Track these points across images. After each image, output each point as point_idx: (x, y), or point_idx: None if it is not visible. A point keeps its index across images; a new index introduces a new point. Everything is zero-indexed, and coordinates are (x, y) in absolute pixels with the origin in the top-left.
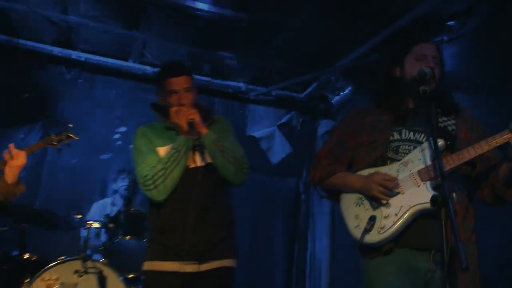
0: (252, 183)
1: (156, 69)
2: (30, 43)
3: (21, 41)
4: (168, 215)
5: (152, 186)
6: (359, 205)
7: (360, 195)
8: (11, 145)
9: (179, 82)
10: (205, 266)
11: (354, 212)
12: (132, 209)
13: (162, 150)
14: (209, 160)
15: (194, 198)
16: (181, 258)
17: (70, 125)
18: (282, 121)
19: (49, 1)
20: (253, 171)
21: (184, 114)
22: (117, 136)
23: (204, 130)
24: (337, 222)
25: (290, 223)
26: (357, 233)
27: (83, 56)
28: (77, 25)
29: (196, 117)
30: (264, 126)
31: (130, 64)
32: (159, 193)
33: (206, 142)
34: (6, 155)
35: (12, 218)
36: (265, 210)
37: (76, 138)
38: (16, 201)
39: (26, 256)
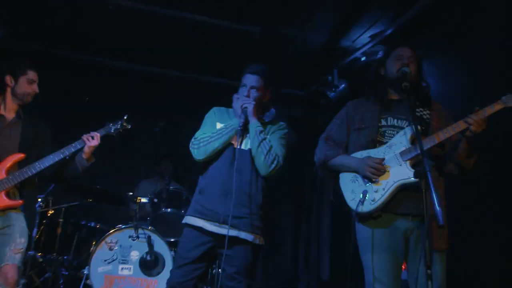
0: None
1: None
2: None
3: (83, 56)
4: (208, 180)
5: (196, 146)
6: (354, 182)
7: (355, 174)
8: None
9: (250, 79)
10: (231, 232)
11: (351, 188)
12: (171, 187)
13: (220, 126)
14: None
15: (232, 173)
16: (211, 219)
17: (125, 117)
18: (290, 114)
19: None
20: None
21: (242, 101)
22: (157, 129)
23: (253, 119)
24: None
25: (297, 198)
26: (353, 204)
27: (132, 65)
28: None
29: (250, 106)
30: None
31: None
32: (198, 153)
33: (251, 128)
34: (85, 138)
35: (81, 196)
36: (277, 187)
37: (128, 127)
38: (83, 182)
39: (92, 225)
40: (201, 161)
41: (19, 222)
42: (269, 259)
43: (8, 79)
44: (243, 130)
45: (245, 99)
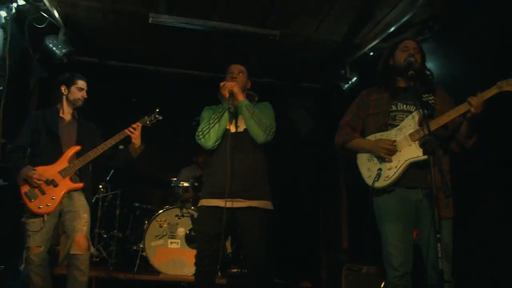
0: (289, 149)
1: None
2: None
3: (130, 64)
4: (213, 165)
5: (201, 136)
6: (370, 161)
7: (370, 154)
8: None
9: (234, 67)
10: (243, 203)
11: (367, 166)
12: None
13: None
14: (245, 126)
15: (233, 153)
16: (222, 196)
17: (157, 110)
18: (306, 105)
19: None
20: (290, 141)
21: (227, 86)
22: (194, 123)
23: (240, 98)
24: (349, 174)
25: (315, 178)
26: (369, 181)
27: (169, 70)
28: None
29: (235, 88)
30: (294, 110)
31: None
32: (206, 140)
33: (240, 106)
34: (128, 131)
35: (133, 182)
36: (298, 168)
37: (160, 118)
38: (136, 170)
39: (144, 206)
40: (210, 147)
41: (80, 201)
42: (289, 228)
43: (63, 88)
44: (234, 112)
45: (229, 84)
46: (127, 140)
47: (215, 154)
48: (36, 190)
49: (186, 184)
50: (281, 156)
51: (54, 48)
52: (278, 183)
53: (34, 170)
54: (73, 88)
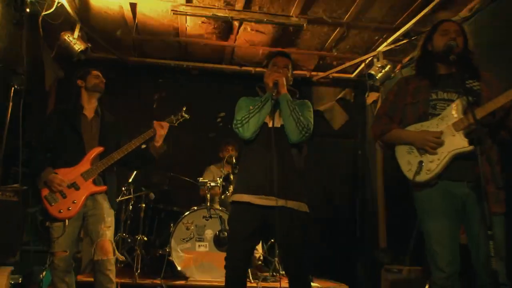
0: (322, 145)
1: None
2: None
3: (148, 60)
4: (249, 160)
5: (239, 125)
6: (410, 153)
7: (410, 146)
8: (161, 123)
9: (281, 60)
10: (279, 202)
11: (407, 159)
12: (236, 171)
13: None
14: (282, 122)
15: (270, 149)
16: (257, 193)
17: (184, 108)
18: (339, 96)
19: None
20: (321, 137)
21: (272, 75)
22: (219, 119)
23: (283, 91)
24: (387, 167)
25: (350, 173)
26: (410, 174)
27: (191, 65)
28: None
29: (280, 79)
30: (326, 102)
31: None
32: (244, 130)
33: (282, 99)
34: (157, 126)
35: (158, 183)
36: (331, 163)
37: (188, 117)
38: (159, 170)
39: (169, 208)
40: (248, 138)
41: (104, 204)
42: (325, 228)
43: (80, 82)
44: (274, 105)
45: (276, 74)
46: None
47: (251, 148)
48: (57, 194)
49: (213, 184)
50: (313, 152)
51: (70, 45)
52: (312, 179)
53: (56, 173)
54: (89, 78)
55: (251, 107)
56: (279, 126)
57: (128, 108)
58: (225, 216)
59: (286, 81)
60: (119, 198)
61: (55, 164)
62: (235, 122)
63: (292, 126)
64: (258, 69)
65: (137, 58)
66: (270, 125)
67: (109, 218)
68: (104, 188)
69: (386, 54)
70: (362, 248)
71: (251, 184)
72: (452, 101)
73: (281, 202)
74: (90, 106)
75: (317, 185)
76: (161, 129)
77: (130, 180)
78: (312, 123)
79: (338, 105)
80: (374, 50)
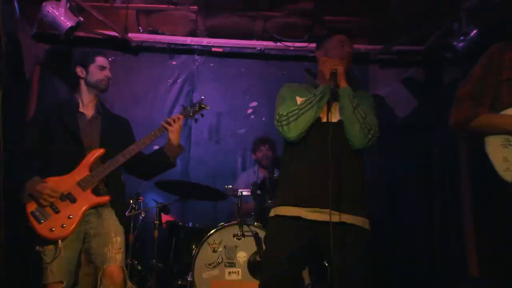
0: (383, 140)
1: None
2: (165, 37)
3: (158, 36)
4: (298, 163)
5: (285, 122)
6: (507, 147)
7: (507, 137)
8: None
9: (339, 39)
10: (335, 217)
11: (502, 155)
12: (275, 175)
13: (300, 100)
14: (340, 117)
15: (324, 150)
16: (309, 205)
17: (202, 97)
18: (405, 76)
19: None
20: (382, 129)
21: (330, 63)
22: (249, 111)
23: (344, 83)
24: (473, 165)
25: (422, 178)
26: (507, 175)
27: (212, 41)
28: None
29: (340, 68)
30: (388, 84)
31: (254, 42)
32: (290, 130)
33: (342, 93)
34: (165, 124)
35: (175, 193)
36: (395, 165)
37: (208, 107)
38: (176, 179)
39: (190, 225)
40: (294, 138)
41: (112, 220)
42: (392, 250)
43: (79, 70)
44: (332, 98)
45: (333, 61)
46: (161, 139)
47: (300, 148)
48: (47, 208)
49: (245, 193)
50: (372, 149)
51: (56, 20)
52: (370, 184)
53: (44, 182)
54: (92, 68)
55: (298, 98)
56: (335, 121)
57: (133, 100)
58: (262, 234)
59: (347, 69)
60: (127, 213)
61: (44, 171)
62: (278, 117)
63: (356, 128)
64: (299, 44)
65: (143, 35)
66: (325, 119)
67: (118, 237)
68: (107, 198)
69: (472, 16)
70: (442, 277)
71: (301, 193)
72: None
73: (336, 217)
74: (89, 102)
75: (377, 192)
76: (173, 124)
77: (140, 190)
78: (377, 120)
79: (404, 88)
80: (455, 10)
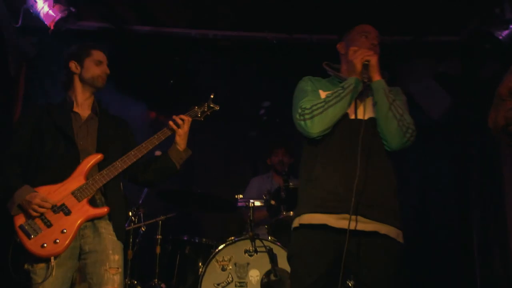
0: (414, 142)
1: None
2: (168, 29)
3: (162, 29)
4: (322, 165)
5: (308, 116)
6: None
7: None
8: (181, 116)
9: (374, 31)
10: (367, 226)
11: None
12: (291, 183)
13: (324, 94)
14: (372, 114)
15: (354, 150)
16: (337, 211)
17: (212, 96)
18: (439, 70)
19: None
20: (417, 128)
21: (362, 53)
22: (262, 111)
23: (377, 76)
24: None
25: (458, 183)
26: None
27: (219, 34)
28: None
29: (373, 59)
30: (419, 79)
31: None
32: (313, 124)
33: (377, 87)
34: (172, 125)
35: (179, 205)
36: (429, 170)
37: (217, 107)
38: (180, 187)
39: (197, 240)
40: (317, 135)
41: (109, 235)
42: (426, 269)
43: (73, 65)
44: (364, 92)
45: (364, 51)
46: (165, 142)
47: (324, 148)
48: (38, 221)
49: (257, 203)
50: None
51: (43, 10)
52: (400, 192)
53: (35, 191)
54: (87, 62)
55: (321, 92)
56: (365, 118)
57: (132, 99)
58: (277, 250)
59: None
60: (126, 228)
61: (34, 181)
62: (300, 111)
63: (393, 127)
64: (317, 36)
65: (141, 27)
66: (352, 116)
67: (117, 255)
68: (105, 210)
69: None
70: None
71: (327, 199)
72: None
73: (368, 226)
74: (84, 101)
75: (407, 200)
76: (181, 125)
77: (141, 201)
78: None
79: (438, 84)
80: None
